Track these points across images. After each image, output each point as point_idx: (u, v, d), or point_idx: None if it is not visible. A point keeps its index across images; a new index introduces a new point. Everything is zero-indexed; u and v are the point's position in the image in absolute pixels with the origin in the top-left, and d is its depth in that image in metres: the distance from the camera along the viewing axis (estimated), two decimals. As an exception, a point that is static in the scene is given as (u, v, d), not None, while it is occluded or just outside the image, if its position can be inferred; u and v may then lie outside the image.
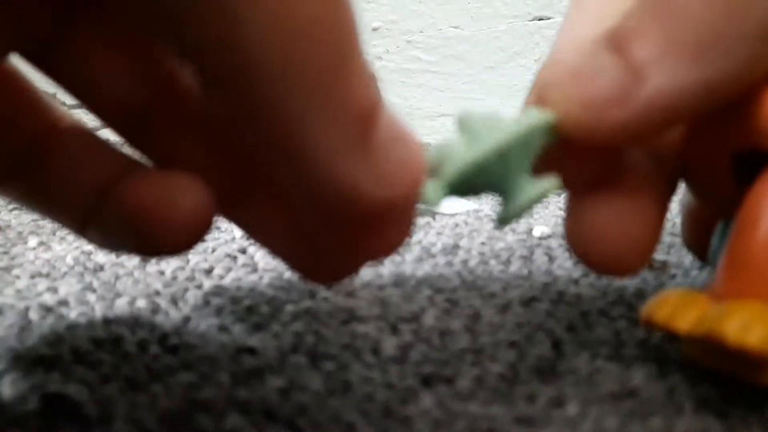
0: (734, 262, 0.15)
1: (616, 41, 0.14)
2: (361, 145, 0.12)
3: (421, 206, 0.15)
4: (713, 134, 0.16)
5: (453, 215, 0.33)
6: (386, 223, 0.14)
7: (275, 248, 0.17)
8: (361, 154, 0.12)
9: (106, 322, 0.19)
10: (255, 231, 0.17)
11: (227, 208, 0.16)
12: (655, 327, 0.15)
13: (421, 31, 0.69)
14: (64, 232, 0.29)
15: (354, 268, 0.17)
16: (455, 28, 0.69)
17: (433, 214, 0.16)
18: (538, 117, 0.14)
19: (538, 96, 0.15)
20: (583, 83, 0.14)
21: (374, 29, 0.70)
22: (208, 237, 0.27)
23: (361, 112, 0.12)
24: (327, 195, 0.12)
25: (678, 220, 0.29)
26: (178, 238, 0.15)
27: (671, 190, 0.17)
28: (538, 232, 0.29)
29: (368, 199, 0.13)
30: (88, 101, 0.16)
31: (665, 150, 0.17)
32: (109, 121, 0.16)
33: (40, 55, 0.15)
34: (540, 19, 0.66)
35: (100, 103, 0.16)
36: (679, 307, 0.14)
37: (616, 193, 0.16)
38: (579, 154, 0.15)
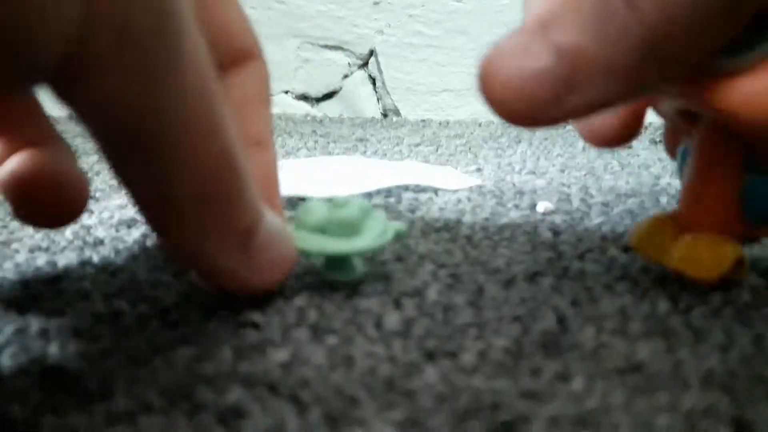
0: (689, 199, 0.19)
1: (542, 23, 0.15)
2: (244, 250, 0.16)
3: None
4: None
5: (455, 191, 0.33)
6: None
7: None
8: (243, 256, 0.16)
9: (106, 296, 0.19)
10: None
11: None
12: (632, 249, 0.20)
13: (422, 5, 0.68)
14: (63, 206, 0.29)
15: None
16: (457, 1, 0.68)
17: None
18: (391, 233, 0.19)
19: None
20: (511, 61, 0.15)
21: (375, 3, 0.69)
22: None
23: (245, 229, 0.16)
24: (215, 281, 0.17)
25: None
26: (53, 207, 0.19)
27: None
28: (541, 207, 0.29)
29: (248, 284, 0.17)
30: None
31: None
32: None
33: None
34: (544, -7, 0.65)
35: None
36: (650, 235, 0.20)
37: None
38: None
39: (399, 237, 0.20)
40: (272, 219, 0.17)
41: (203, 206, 0.15)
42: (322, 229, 0.19)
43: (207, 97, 0.14)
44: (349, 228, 0.19)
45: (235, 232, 0.16)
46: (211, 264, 0.16)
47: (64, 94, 0.13)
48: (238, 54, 0.20)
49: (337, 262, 0.20)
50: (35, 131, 0.19)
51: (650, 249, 0.20)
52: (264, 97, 0.21)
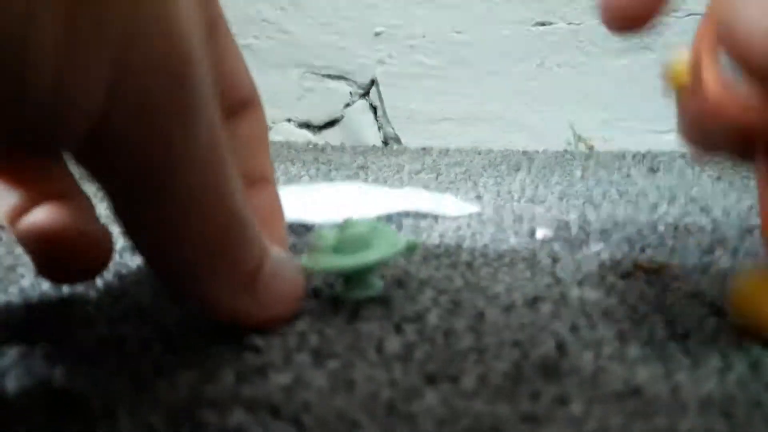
0: None
1: None
2: (252, 290, 0.17)
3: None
4: None
5: (455, 218, 0.33)
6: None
7: None
8: (249, 293, 0.17)
9: (110, 320, 0.19)
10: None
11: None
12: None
13: (423, 36, 0.69)
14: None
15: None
16: (458, 32, 0.69)
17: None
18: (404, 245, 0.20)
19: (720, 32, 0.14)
20: None
21: (376, 34, 0.70)
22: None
23: (250, 270, 0.17)
24: (226, 320, 0.17)
25: (680, 226, 0.29)
26: (76, 264, 0.19)
27: None
28: (540, 234, 0.29)
29: (258, 321, 0.18)
30: None
31: None
32: None
33: None
34: (542, 24, 0.66)
35: None
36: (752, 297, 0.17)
37: None
38: None
39: (411, 248, 0.20)
40: (277, 254, 0.18)
41: (210, 255, 0.16)
42: (336, 250, 0.20)
43: (217, 154, 0.15)
44: (362, 244, 0.20)
45: (241, 275, 0.17)
46: (220, 306, 0.17)
47: (83, 159, 0.14)
48: (243, 102, 0.21)
49: (356, 279, 0.20)
50: (58, 184, 0.20)
51: (753, 314, 0.16)
52: (265, 138, 0.22)
